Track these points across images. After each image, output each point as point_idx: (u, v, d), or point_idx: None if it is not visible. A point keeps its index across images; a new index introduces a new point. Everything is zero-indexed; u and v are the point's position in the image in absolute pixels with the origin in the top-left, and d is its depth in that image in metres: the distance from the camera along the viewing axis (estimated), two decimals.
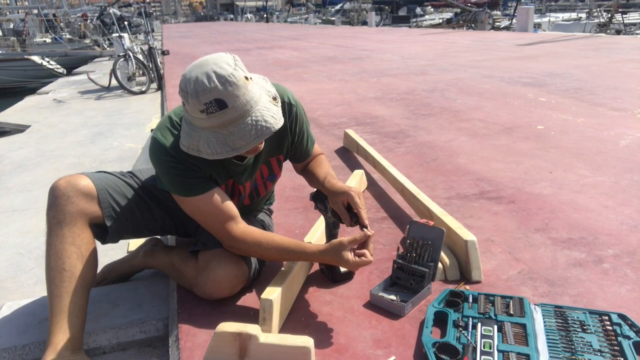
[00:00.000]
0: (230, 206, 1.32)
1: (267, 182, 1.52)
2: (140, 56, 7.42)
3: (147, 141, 4.20)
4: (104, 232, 1.38)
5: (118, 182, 1.42)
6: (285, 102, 1.38)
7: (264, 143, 1.31)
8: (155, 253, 1.61)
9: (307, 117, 1.51)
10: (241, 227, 1.32)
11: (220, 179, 1.37)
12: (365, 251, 1.26)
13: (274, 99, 1.22)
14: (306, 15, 32.32)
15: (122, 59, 6.96)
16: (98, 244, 1.38)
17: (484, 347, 1.15)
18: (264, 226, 1.59)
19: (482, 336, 1.19)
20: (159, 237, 1.68)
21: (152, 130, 4.63)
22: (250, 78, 1.15)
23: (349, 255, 1.24)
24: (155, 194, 1.47)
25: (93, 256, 1.31)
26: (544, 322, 1.24)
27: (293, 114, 1.42)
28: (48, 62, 13.76)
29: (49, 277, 1.26)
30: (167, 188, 1.31)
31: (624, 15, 14.14)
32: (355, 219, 1.36)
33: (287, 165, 1.69)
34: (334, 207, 1.41)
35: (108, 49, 13.40)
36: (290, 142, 1.47)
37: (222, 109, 1.10)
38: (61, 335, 1.20)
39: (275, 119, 1.16)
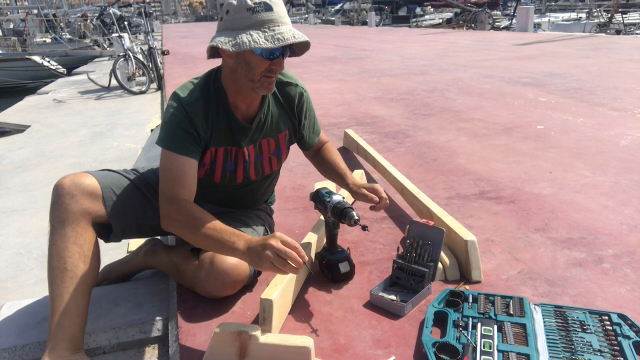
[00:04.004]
0: (193, 182, 1.33)
1: (272, 156, 1.54)
2: (140, 56, 7.41)
3: (147, 141, 4.20)
4: (107, 231, 1.38)
5: (122, 180, 1.42)
6: (298, 86, 1.52)
7: (274, 89, 1.39)
8: (156, 253, 1.61)
9: (314, 109, 1.62)
10: (187, 199, 1.30)
11: (222, 140, 1.39)
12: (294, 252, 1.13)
13: None
14: (306, 15, 32.31)
15: (122, 59, 6.96)
16: (99, 242, 1.38)
17: (484, 347, 1.15)
18: (265, 227, 1.59)
19: (482, 336, 1.19)
20: (159, 237, 1.67)
21: (151, 130, 4.63)
22: None
23: (269, 253, 1.11)
24: (158, 191, 1.46)
25: (95, 256, 1.31)
26: (544, 322, 1.24)
27: (303, 99, 1.54)
28: (49, 62, 13.74)
29: (51, 277, 1.25)
30: (159, 138, 1.33)
31: (624, 15, 14.12)
32: (355, 220, 1.36)
33: (287, 165, 1.69)
34: (358, 195, 1.49)
35: (108, 49, 13.39)
36: (297, 123, 1.55)
37: (267, 10, 1.22)
38: (61, 335, 1.20)
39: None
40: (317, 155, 1.69)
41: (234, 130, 1.40)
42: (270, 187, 1.68)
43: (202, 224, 1.23)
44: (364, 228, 1.39)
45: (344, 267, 1.48)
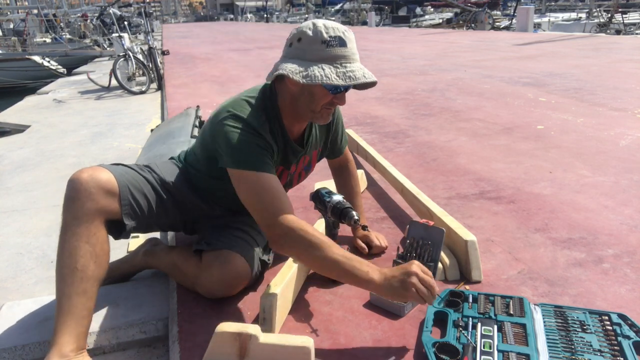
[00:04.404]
0: (287, 198, 1.29)
1: (302, 171, 1.56)
2: (140, 56, 7.40)
3: (147, 141, 4.19)
4: (116, 227, 1.35)
5: (138, 178, 1.39)
6: None
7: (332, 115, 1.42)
8: (156, 253, 1.61)
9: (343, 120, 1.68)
10: (297, 218, 1.24)
11: (276, 161, 1.41)
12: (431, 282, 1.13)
13: None
14: (306, 15, 32.32)
15: (122, 59, 6.95)
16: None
17: (484, 347, 1.15)
18: None
19: (482, 336, 1.19)
20: (158, 237, 1.67)
21: (152, 130, 4.62)
22: None
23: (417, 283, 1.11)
24: (171, 190, 1.45)
25: (106, 256, 1.28)
26: (544, 322, 1.24)
27: (336, 113, 1.58)
28: (49, 62, 13.73)
29: (60, 275, 1.22)
30: (231, 162, 1.27)
31: (624, 15, 14.12)
32: (355, 220, 1.36)
33: None
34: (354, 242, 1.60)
35: (108, 49, 13.38)
36: (330, 137, 1.60)
37: (341, 46, 1.23)
38: (67, 337, 1.18)
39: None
40: (339, 175, 1.75)
41: (287, 152, 1.42)
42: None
43: (328, 248, 1.18)
44: (364, 228, 1.39)
45: None
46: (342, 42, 1.23)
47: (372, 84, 1.30)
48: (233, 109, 1.31)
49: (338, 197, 1.43)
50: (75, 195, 1.24)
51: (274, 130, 1.36)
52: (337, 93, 1.28)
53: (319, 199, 1.48)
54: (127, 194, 1.32)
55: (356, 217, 1.36)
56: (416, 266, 1.13)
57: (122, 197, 1.31)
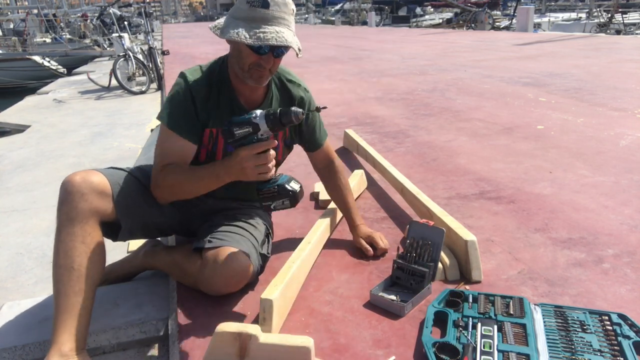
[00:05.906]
0: (179, 161, 1.41)
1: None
2: (140, 56, 7.41)
3: (147, 141, 4.19)
4: (112, 230, 1.38)
5: (129, 178, 1.42)
6: (300, 86, 1.59)
7: (271, 77, 1.44)
8: (156, 253, 1.61)
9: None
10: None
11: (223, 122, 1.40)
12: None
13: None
14: (306, 15, 32.32)
15: (122, 59, 6.96)
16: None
17: (484, 347, 1.15)
18: (266, 225, 1.60)
19: (482, 336, 1.19)
20: (159, 238, 1.67)
21: (151, 130, 4.63)
22: (294, 14, 1.34)
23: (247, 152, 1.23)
24: None
25: (101, 256, 1.30)
26: (544, 322, 1.24)
27: (304, 101, 1.58)
28: (49, 62, 13.74)
29: (57, 275, 1.24)
30: (160, 115, 1.41)
31: (624, 15, 14.11)
32: (301, 113, 1.22)
33: (287, 166, 1.69)
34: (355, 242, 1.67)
35: (108, 49, 13.38)
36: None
37: (263, 7, 1.26)
38: (66, 335, 1.19)
39: (293, 41, 1.28)
40: (326, 177, 1.73)
41: (235, 113, 1.43)
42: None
43: (180, 172, 1.37)
44: (318, 110, 1.28)
45: (295, 185, 1.31)
46: (264, 4, 1.25)
47: (296, 50, 1.30)
48: (187, 70, 1.43)
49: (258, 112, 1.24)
50: (68, 197, 1.27)
51: (216, 90, 1.42)
52: (263, 55, 1.29)
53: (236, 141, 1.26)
54: (119, 194, 1.34)
55: (298, 110, 1.20)
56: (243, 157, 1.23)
57: (115, 196, 1.33)
